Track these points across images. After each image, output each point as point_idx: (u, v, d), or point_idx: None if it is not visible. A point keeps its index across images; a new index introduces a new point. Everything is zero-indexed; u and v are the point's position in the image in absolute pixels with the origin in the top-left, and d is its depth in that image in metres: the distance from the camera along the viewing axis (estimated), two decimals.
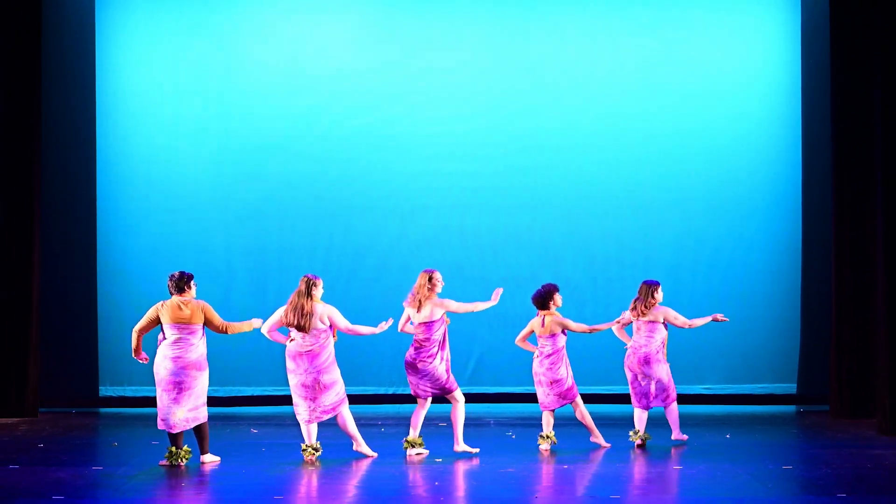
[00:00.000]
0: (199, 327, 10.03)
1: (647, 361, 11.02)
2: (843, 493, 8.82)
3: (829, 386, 13.40)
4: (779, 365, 14.07)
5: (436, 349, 10.47)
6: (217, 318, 10.13)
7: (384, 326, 10.32)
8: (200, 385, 10.04)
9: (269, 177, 14.08)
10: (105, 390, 13.94)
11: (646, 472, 9.85)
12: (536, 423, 11.57)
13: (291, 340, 10.29)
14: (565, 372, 10.95)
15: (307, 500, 8.98)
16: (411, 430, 10.58)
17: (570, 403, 10.99)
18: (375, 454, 10.45)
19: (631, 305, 11.12)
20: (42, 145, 13.44)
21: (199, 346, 10.03)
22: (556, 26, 14.14)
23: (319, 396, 10.25)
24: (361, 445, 10.46)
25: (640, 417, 11.13)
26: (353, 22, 14.19)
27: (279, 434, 12.00)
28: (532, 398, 13.86)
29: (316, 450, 10.30)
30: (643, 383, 11.10)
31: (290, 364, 10.32)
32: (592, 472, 9.93)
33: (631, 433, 11.12)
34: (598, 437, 11.07)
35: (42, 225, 13.44)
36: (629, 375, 11.19)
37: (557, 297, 10.96)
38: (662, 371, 11.08)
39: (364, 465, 10.14)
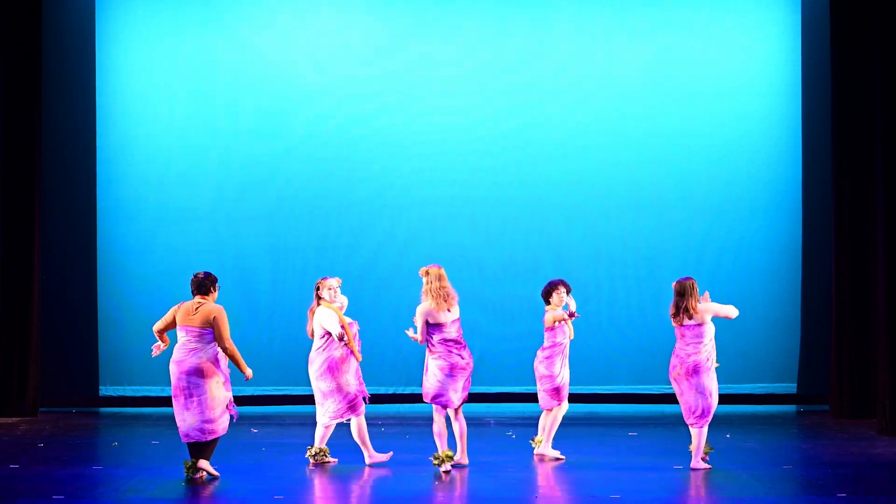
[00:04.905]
0: (204, 332, 9.31)
1: (696, 371, 9.78)
2: (843, 493, 8.82)
3: (829, 386, 13.40)
4: (779, 365, 14.05)
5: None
6: (224, 332, 9.29)
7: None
8: (209, 393, 9.26)
9: (269, 176, 14.04)
10: (105, 390, 13.93)
11: (646, 472, 9.84)
12: (535, 423, 11.55)
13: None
14: (559, 370, 10.39)
15: (308, 500, 8.98)
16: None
17: (551, 408, 10.42)
18: (391, 452, 10.34)
19: (671, 311, 9.88)
20: (42, 145, 13.43)
21: (204, 351, 9.30)
22: (556, 25, 14.12)
23: (324, 402, 10.07)
24: (372, 455, 10.26)
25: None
26: (353, 20, 14.15)
27: (279, 434, 11.99)
28: (532, 398, 13.91)
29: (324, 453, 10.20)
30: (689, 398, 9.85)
31: None
32: (592, 473, 9.93)
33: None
34: (547, 448, 10.52)
35: (42, 225, 13.42)
36: (676, 389, 9.97)
37: (555, 294, 10.41)
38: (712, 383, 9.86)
39: (366, 465, 10.13)
